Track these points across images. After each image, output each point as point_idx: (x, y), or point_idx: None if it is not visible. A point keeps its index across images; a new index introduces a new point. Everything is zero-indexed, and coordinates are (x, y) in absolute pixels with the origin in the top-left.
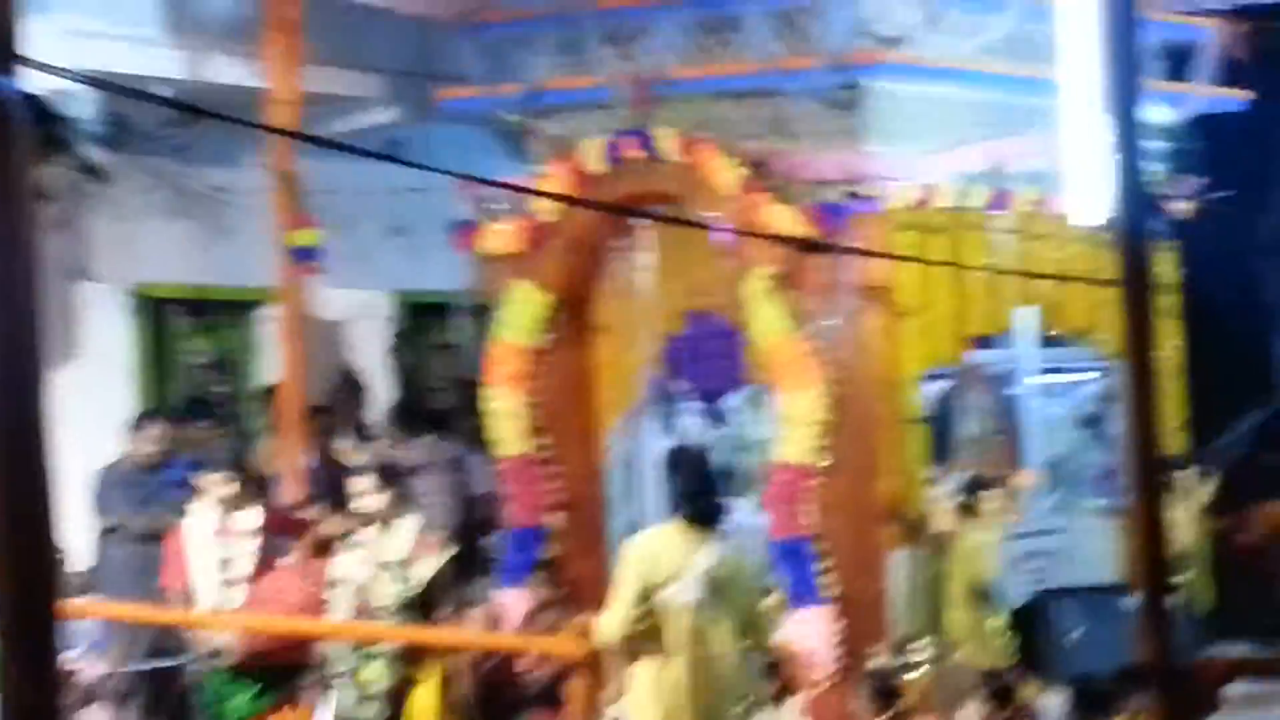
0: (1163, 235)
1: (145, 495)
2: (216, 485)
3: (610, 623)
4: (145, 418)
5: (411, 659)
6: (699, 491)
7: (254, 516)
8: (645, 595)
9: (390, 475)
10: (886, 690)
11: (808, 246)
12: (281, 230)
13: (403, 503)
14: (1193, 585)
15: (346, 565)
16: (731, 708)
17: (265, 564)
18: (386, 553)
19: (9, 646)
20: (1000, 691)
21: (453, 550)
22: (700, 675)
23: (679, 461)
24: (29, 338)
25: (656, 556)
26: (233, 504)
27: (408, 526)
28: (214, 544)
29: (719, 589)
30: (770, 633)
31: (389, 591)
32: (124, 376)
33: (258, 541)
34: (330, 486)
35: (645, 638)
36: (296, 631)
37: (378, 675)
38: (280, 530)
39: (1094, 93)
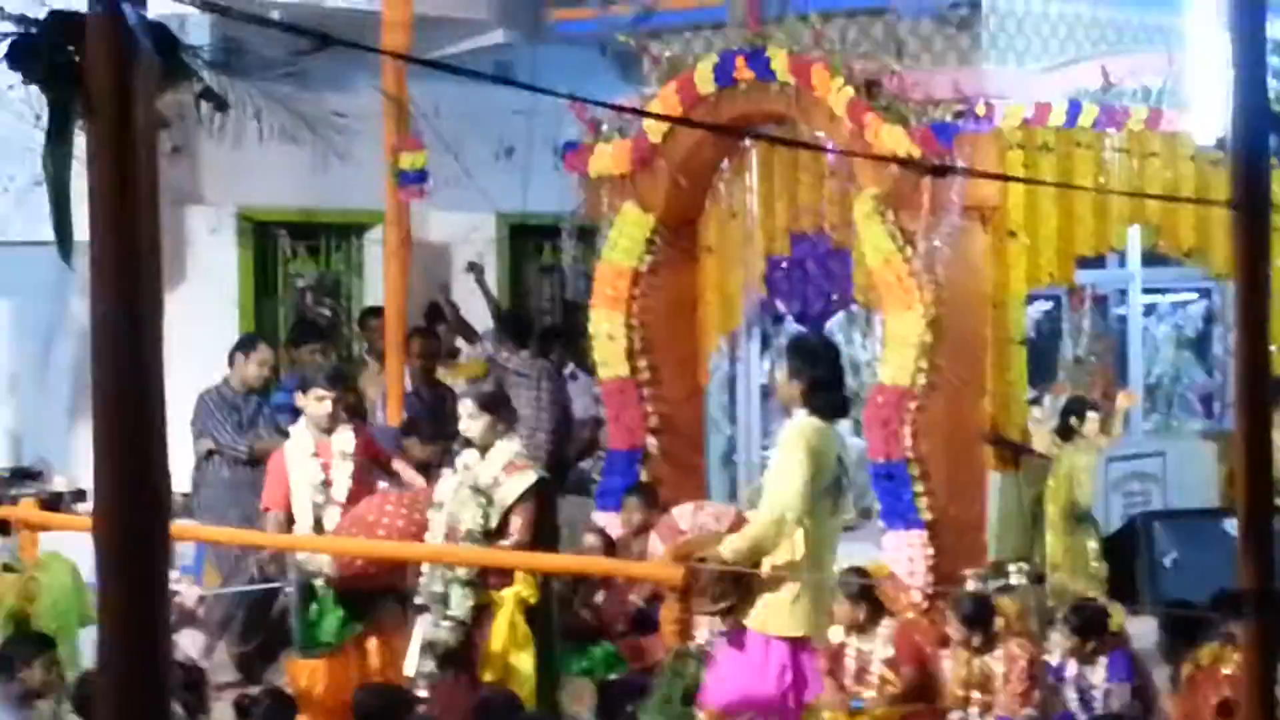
0: (1277, 154)
1: (247, 419)
2: (313, 403)
3: (791, 500)
4: (249, 341)
5: (492, 584)
6: (833, 380)
7: (349, 438)
8: (817, 483)
9: (492, 401)
10: (980, 613)
11: (919, 168)
12: (390, 153)
13: (503, 428)
14: None
15: (445, 489)
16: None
17: (361, 487)
18: (480, 477)
19: (116, 566)
20: (1090, 617)
21: (538, 473)
22: (829, 574)
23: (806, 351)
24: (151, 264)
25: (823, 445)
26: (329, 424)
27: (503, 451)
28: (312, 465)
29: (853, 480)
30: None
31: (472, 515)
32: (231, 299)
33: (353, 464)
34: (431, 409)
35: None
36: (385, 555)
37: (458, 600)
38: (374, 454)
39: (1215, 7)
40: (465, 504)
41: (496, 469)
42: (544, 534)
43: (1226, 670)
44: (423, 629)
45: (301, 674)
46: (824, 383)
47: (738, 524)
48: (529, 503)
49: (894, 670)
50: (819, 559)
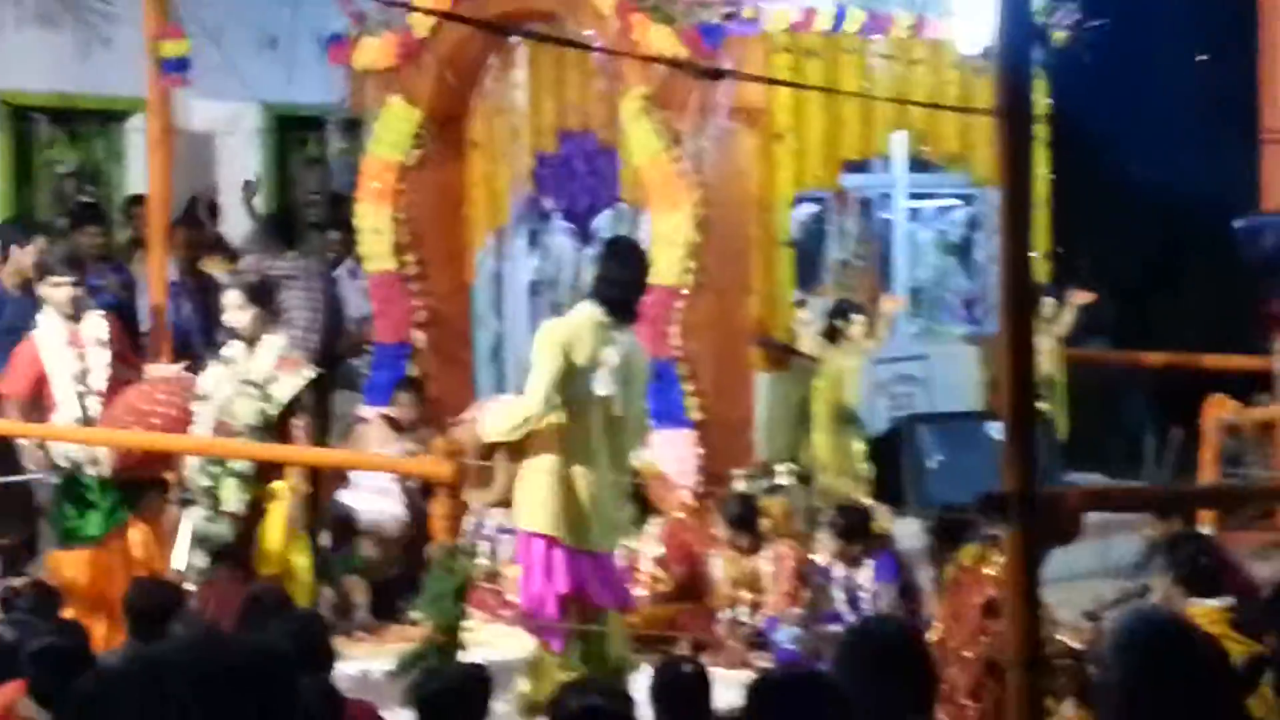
0: (1040, 64)
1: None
2: (52, 289)
3: (533, 403)
4: (26, 233)
5: (265, 479)
6: (630, 282)
7: (103, 325)
8: (565, 378)
9: (259, 293)
10: (745, 514)
11: (690, 69)
12: (151, 40)
13: (270, 321)
14: (1050, 414)
15: (211, 381)
16: (618, 511)
17: (118, 377)
18: (250, 371)
19: None
20: (855, 520)
21: (312, 371)
22: (601, 474)
23: (618, 250)
24: None
25: (578, 340)
26: (72, 309)
27: (271, 345)
28: (68, 353)
29: (626, 380)
30: (644, 436)
31: (248, 410)
32: None
33: (109, 351)
34: (195, 300)
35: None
36: (168, 447)
37: (231, 494)
38: (122, 344)
39: None
40: (238, 398)
41: (268, 363)
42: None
43: (989, 571)
44: (191, 522)
45: (65, 566)
46: (617, 279)
47: None
48: (307, 403)
49: (663, 569)
50: (581, 456)
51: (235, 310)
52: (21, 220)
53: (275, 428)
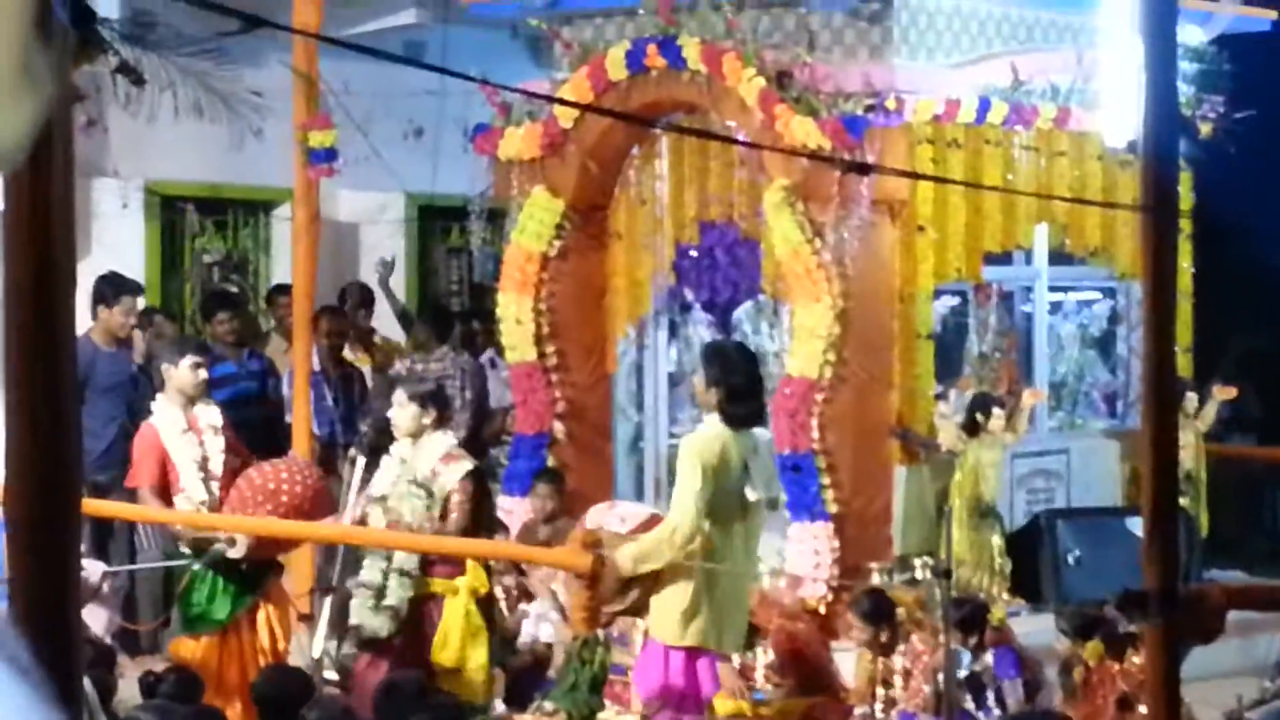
0: (1186, 156)
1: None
2: (187, 371)
3: (684, 520)
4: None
5: (436, 573)
6: (750, 388)
7: (215, 412)
8: (712, 493)
9: (433, 399)
10: (878, 609)
11: (833, 163)
12: (299, 131)
13: (441, 423)
14: (1191, 510)
15: (381, 482)
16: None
17: (230, 465)
18: (418, 470)
19: (26, 542)
20: (971, 611)
21: (471, 461)
22: (740, 576)
23: (724, 359)
24: (65, 236)
25: (721, 454)
26: (199, 392)
27: (436, 443)
28: (189, 440)
29: (768, 484)
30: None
31: (412, 509)
32: (137, 274)
33: (224, 438)
34: (338, 388)
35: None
36: (315, 537)
37: (395, 590)
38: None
39: (1127, 8)
40: (404, 497)
41: (433, 460)
42: (482, 523)
43: (1117, 666)
44: (330, 612)
45: (186, 651)
46: (738, 391)
47: (650, 523)
48: (465, 489)
49: (778, 675)
50: (721, 569)
51: (397, 408)
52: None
53: (439, 520)
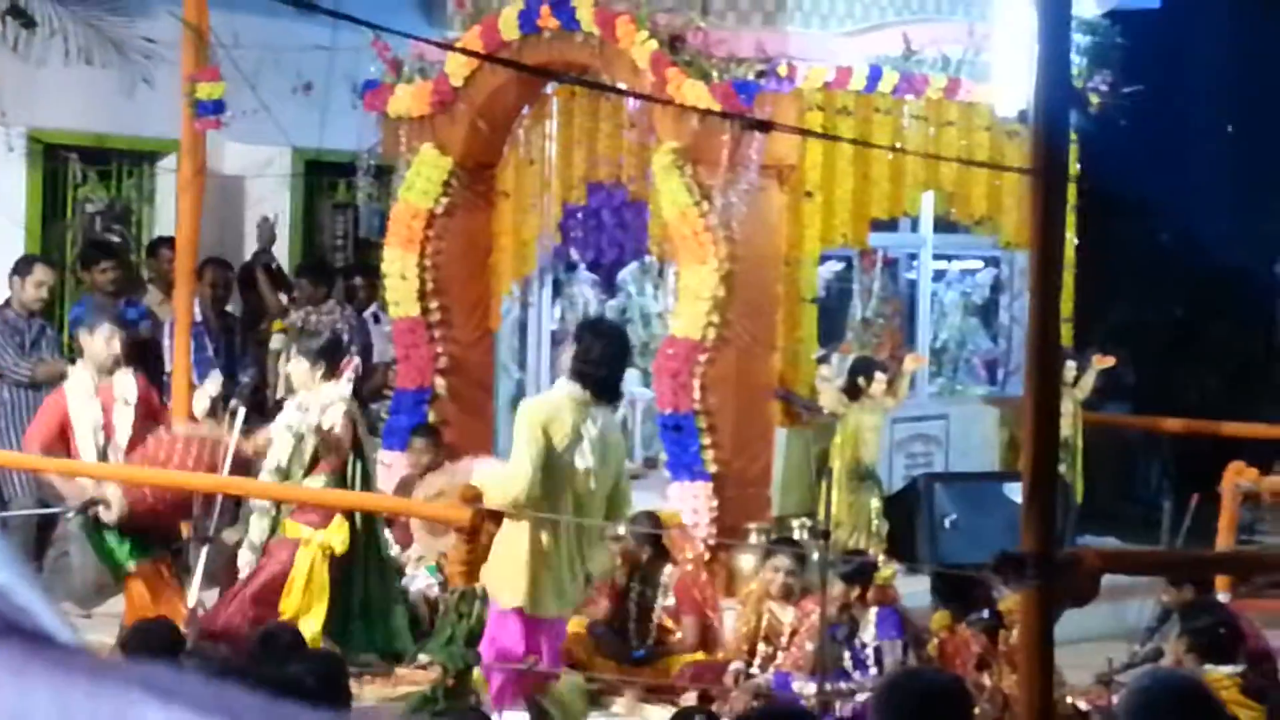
0: (1075, 128)
1: (30, 341)
2: (100, 342)
3: (516, 483)
4: (25, 263)
5: (308, 520)
6: (613, 363)
7: (131, 384)
8: (544, 457)
9: (327, 352)
10: (864, 569)
11: (725, 117)
12: (187, 82)
13: (331, 376)
14: (1068, 477)
15: (273, 430)
16: (582, 575)
17: (139, 436)
18: (307, 417)
19: None
20: (859, 566)
21: (346, 404)
22: (572, 543)
23: (601, 331)
24: None
25: (557, 419)
26: (113, 365)
27: (325, 393)
28: (92, 407)
29: (603, 458)
30: (629, 506)
31: (285, 449)
32: (18, 221)
33: (134, 412)
34: (219, 340)
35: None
36: (173, 483)
37: (254, 525)
38: (152, 406)
39: None
40: (281, 440)
41: (320, 409)
42: (362, 469)
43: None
44: (206, 562)
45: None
46: (597, 358)
47: None
48: (338, 427)
49: (674, 618)
50: (554, 536)
51: (293, 365)
52: (29, 255)
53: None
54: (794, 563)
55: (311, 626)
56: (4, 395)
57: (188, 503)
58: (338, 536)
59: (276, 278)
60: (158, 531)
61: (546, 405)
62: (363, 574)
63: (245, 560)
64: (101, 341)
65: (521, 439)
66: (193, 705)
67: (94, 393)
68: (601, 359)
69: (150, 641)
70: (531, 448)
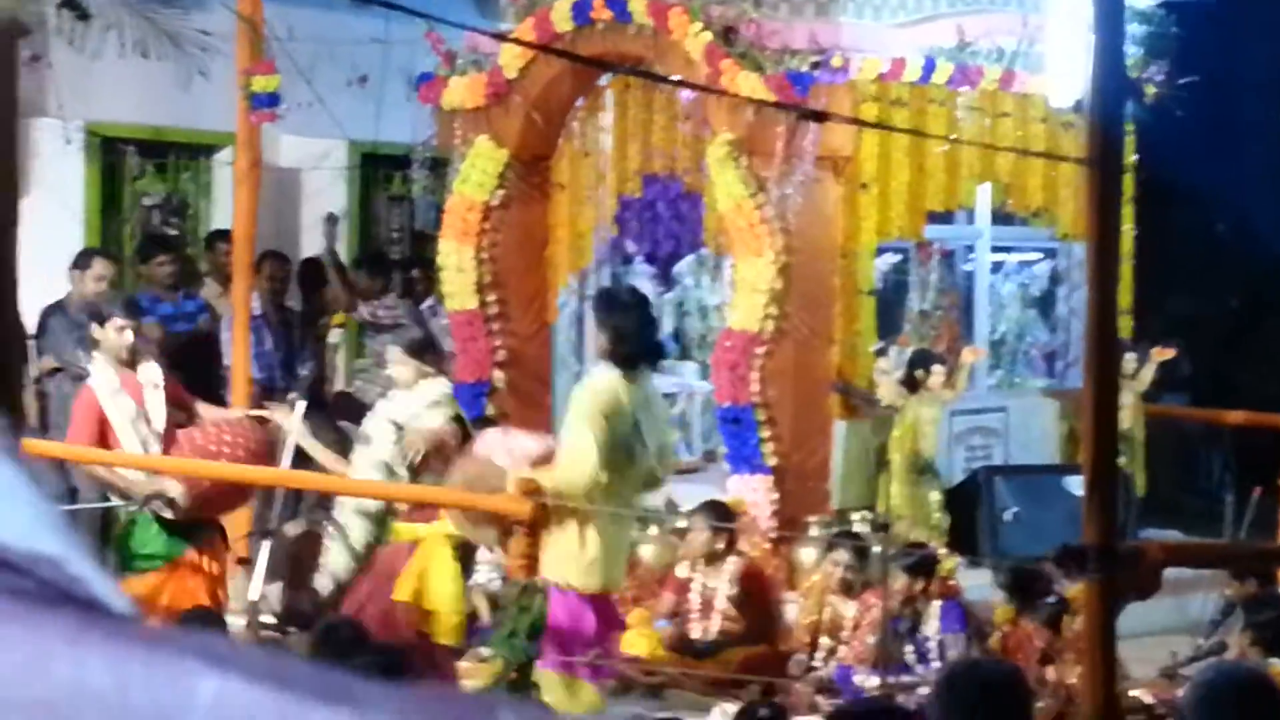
0: (1130, 118)
1: (88, 335)
2: (112, 334)
3: (581, 473)
4: (85, 256)
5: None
6: (635, 332)
7: (156, 369)
8: (612, 443)
9: (420, 347)
10: (925, 562)
11: (779, 107)
12: (242, 75)
13: (430, 372)
14: (1128, 469)
15: (369, 425)
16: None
17: (173, 421)
18: (401, 411)
19: None
20: (922, 558)
21: (455, 409)
22: (625, 522)
23: (611, 303)
24: (5, 174)
25: (613, 405)
26: (129, 356)
27: (427, 390)
28: (123, 399)
29: (653, 429)
30: (672, 460)
31: (386, 446)
32: (76, 215)
33: (165, 394)
34: (278, 333)
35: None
36: (239, 478)
37: (357, 530)
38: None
39: None
40: (382, 436)
41: (420, 406)
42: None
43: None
44: (268, 556)
45: (131, 590)
46: (626, 333)
47: (543, 459)
48: (442, 434)
49: (738, 608)
50: (612, 515)
51: (396, 365)
52: (89, 248)
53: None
54: (853, 557)
55: (446, 622)
56: (64, 389)
57: (240, 493)
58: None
59: (342, 272)
60: (207, 522)
61: (599, 389)
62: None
63: (342, 565)
64: (113, 332)
65: (580, 421)
66: (247, 674)
67: (120, 385)
68: (625, 332)
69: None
70: (591, 429)
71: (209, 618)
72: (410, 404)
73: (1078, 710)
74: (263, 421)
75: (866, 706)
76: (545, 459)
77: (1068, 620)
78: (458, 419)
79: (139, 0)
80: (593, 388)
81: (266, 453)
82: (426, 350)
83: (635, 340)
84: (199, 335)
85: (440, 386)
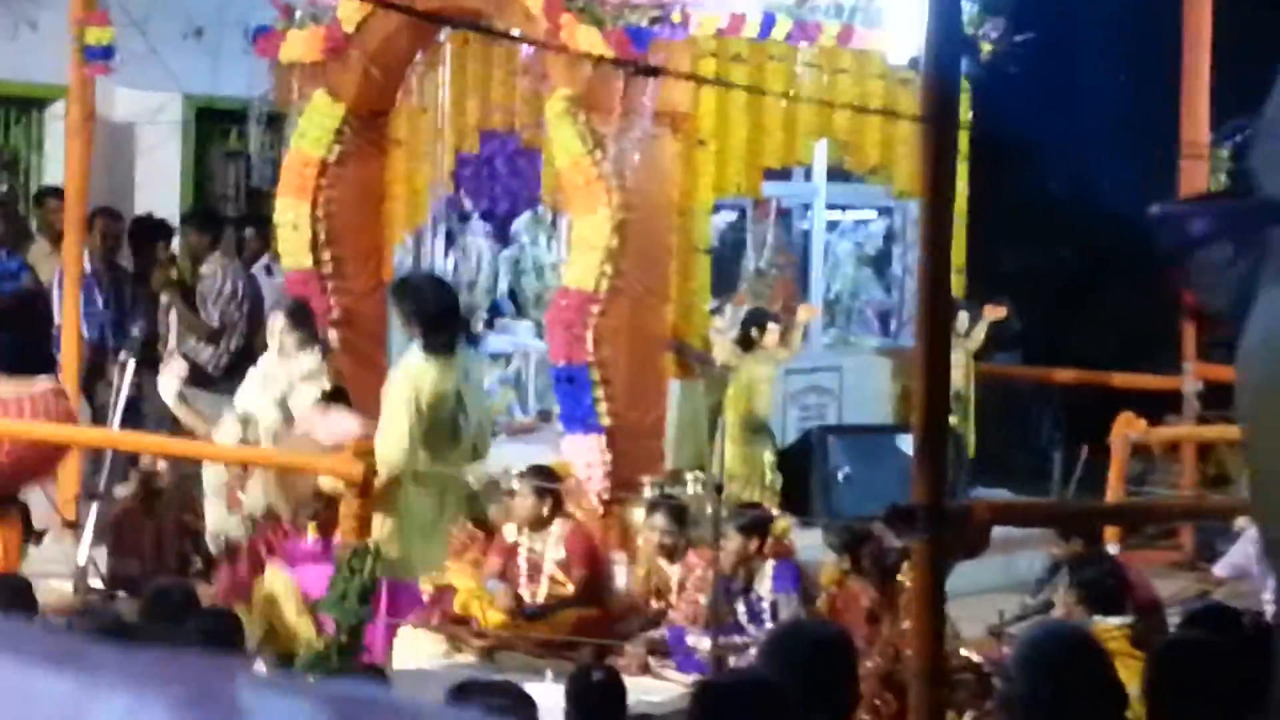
0: (966, 75)
1: None
2: None
3: (395, 451)
4: None
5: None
6: (444, 318)
7: None
8: (430, 424)
9: (300, 316)
10: (680, 517)
11: (619, 65)
12: (75, 27)
13: (308, 341)
14: (960, 429)
15: (244, 394)
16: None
17: None
18: (279, 386)
19: None
20: (756, 518)
21: (329, 384)
22: (449, 506)
23: (409, 290)
24: None
25: (436, 386)
26: None
27: (301, 361)
28: None
29: (470, 410)
30: (489, 443)
31: (268, 422)
32: None
33: None
34: (109, 292)
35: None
36: (70, 440)
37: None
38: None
39: None
40: (263, 413)
41: (295, 378)
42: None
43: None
44: (95, 519)
45: None
46: (431, 320)
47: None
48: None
49: (565, 572)
50: (427, 500)
51: (279, 334)
52: None
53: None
54: (670, 520)
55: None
56: None
57: (43, 461)
58: None
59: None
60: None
61: (417, 370)
62: None
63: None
64: None
65: (397, 403)
66: (37, 656)
67: None
68: (430, 315)
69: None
70: (405, 413)
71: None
72: (287, 378)
73: (906, 668)
74: (60, 393)
75: (734, 679)
76: (365, 438)
77: (900, 578)
78: (337, 391)
79: None
80: (406, 370)
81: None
82: (308, 318)
83: (441, 325)
84: (25, 294)
85: (314, 358)
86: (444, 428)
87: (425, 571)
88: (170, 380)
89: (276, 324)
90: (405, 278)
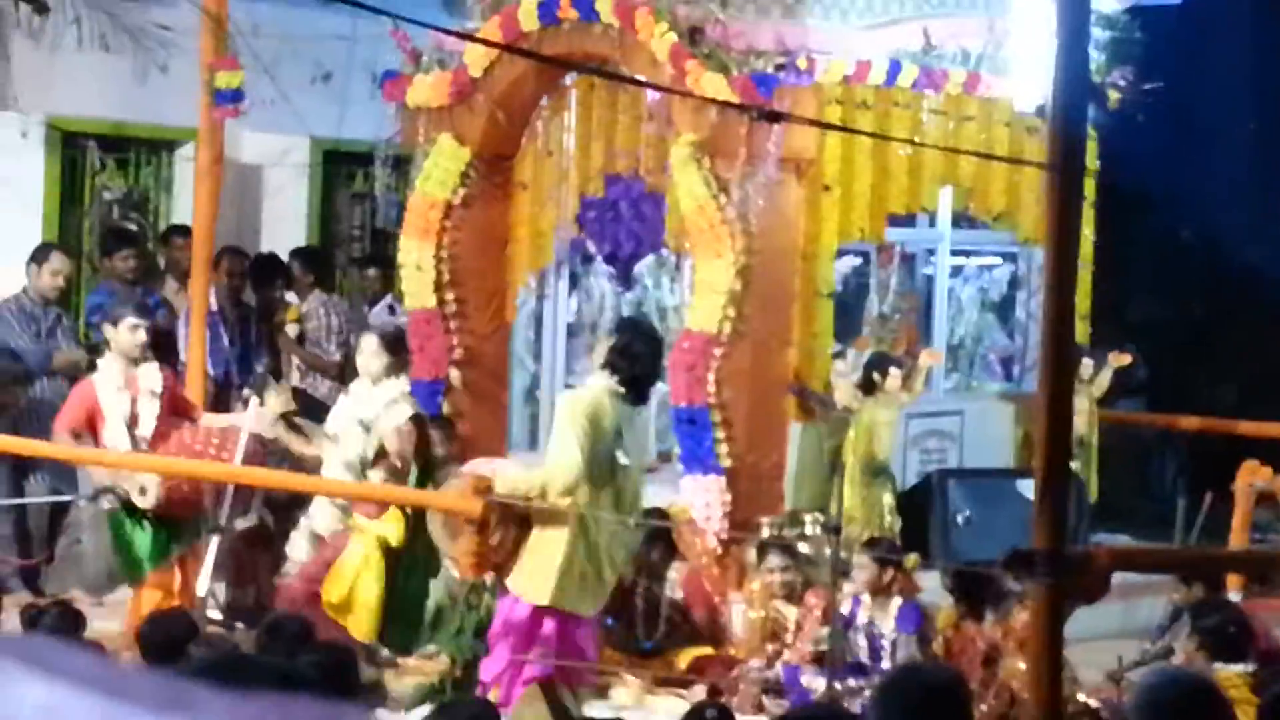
0: (1093, 123)
1: (45, 330)
2: (125, 334)
3: (568, 471)
4: (42, 251)
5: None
6: (646, 365)
7: (157, 376)
8: (590, 449)
9: (394, 343)
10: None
11: (742, 109)
12: (206, 71)
13: (399, 369)
14: (1082, 474)
15: (334, 419)
16: (613, 574)
17: (164, 427)
18: (365, 410)
19: None
20: (888, 550)
21: (413, 408)
22: (609, 539)
23: (641, 330)
24: None
25: (601, 413)
26: (140, 355)
27: (389, 387)
28: (122, 399)
29: (634, 455)
30: (641, 503)
31: (355, 444)
32: (35, 209)
33: (159, 403)
34: (235, 330)
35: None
36: (210, 475)
37: (321, 517)
38: (177, 396)
39: None
40: (349, 435)
41: (380, 404)
42: (428, 468)
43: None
44: (216, 552)
45: (149, 603)
46: (636, 355)
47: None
48: (402, 434)
49: (682, 614)
50: (588, 531)
51: (369, 357)
52: (47, 243)
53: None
54: (786, 560)
55: (360, 617)
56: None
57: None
58: (393, 529)
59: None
60: (187, 524)
61: (588, 400)
62: (408, 570)
63: (301, 550)
64: (126, 332)
65: (567, 429)
66: (76, 681)
67: (123, 384)
68: (638, 356)
69: (166, 632)
70: (579, 438)
71: (168, 620)
72: (374, 402)
73: (1021, 712)
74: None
75: (811, 712)
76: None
77: (1015, 616)
78: (417, 417)
79: None
80: (579, 395)
81: (257, 463)
82: (400, 345)
83: (641, 363)
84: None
85: (401, 384)
86: (604, 458)
87: (590, 610)
88: (266, 413)
89: (369, 346)
90: (634, 317)
